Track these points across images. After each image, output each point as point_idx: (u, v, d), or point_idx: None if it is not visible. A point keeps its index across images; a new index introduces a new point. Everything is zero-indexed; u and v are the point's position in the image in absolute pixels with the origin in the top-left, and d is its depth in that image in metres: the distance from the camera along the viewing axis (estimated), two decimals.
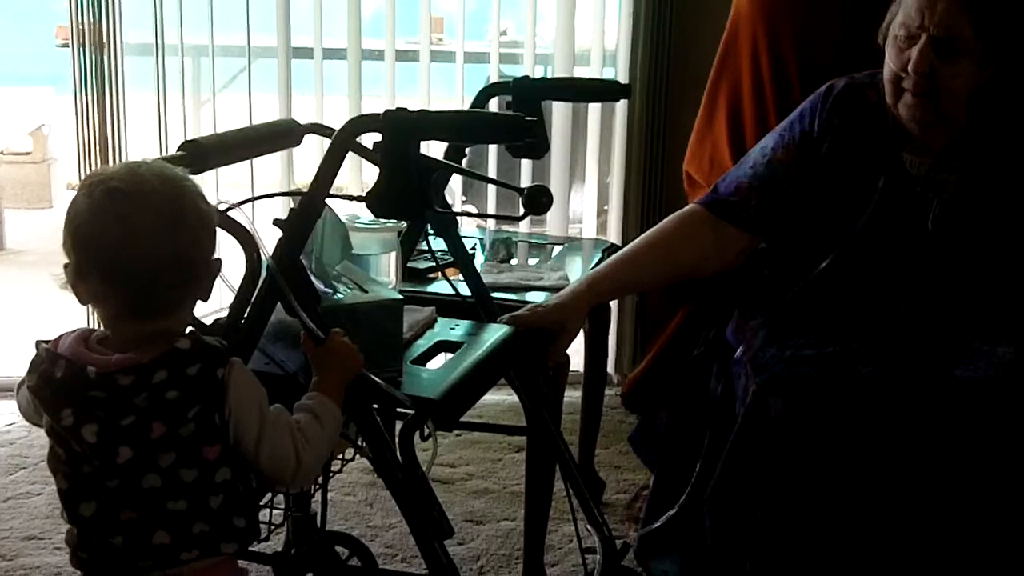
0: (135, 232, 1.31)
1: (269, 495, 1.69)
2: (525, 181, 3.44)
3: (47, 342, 1.38)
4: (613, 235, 3.36)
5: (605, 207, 3.55)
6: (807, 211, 2.08)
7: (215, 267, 1.40)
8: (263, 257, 1.60)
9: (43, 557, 2.43)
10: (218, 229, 1.44)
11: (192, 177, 1.49)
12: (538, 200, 1.52)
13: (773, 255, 2.20)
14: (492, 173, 3.53)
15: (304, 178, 3.44)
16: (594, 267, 2.25)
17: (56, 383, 1.34)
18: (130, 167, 1.36)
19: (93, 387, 1.32)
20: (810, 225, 2.08)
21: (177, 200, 1.34)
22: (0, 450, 2.98)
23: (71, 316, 2.66)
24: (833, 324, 1.96)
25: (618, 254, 2.16)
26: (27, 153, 6.25)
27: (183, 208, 1.34)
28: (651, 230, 2.16)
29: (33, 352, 1.38)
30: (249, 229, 1.59)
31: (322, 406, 1.47)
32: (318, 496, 1.94)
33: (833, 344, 1.88)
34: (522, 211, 1.56)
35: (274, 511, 1.70)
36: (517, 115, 1.62)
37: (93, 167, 3.25)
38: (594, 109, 3.45)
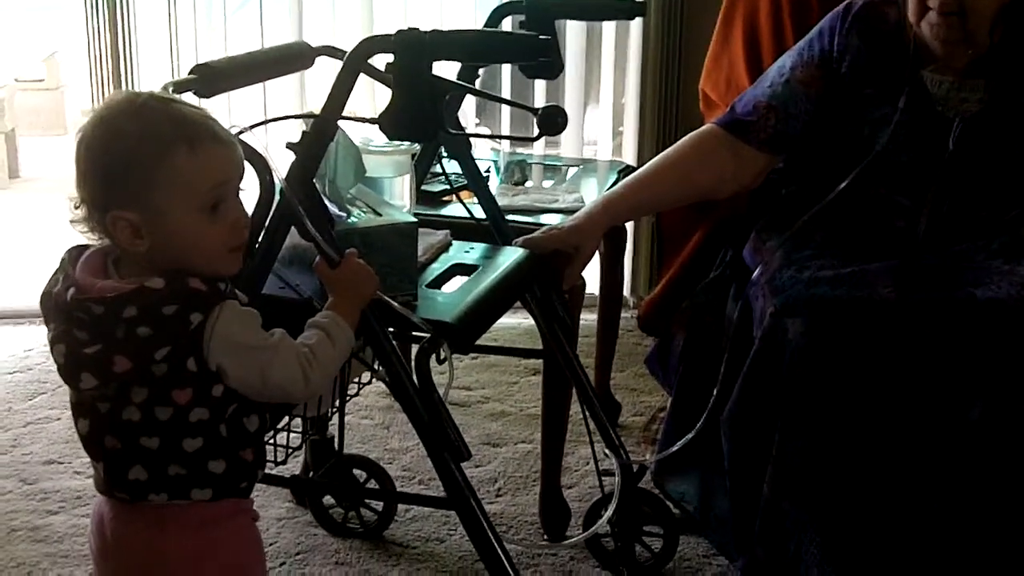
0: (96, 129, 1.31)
1: (286, 419, 1.70)
2: (539, 102, 3.40)
3: (85, 247, 1.35)
4: (628, 156, 3.33)
5: (620, 128, 3.51)
6: (826, 131, 2.05)
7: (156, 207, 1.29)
8: (276, 181, 1.58)
9: (63, 481, 2.46)
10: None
11: (205, 101, 1.48)
12: (553, 120, 1.49)
13: (791, 175, 2.17)
14: (506, 95, 3.49)
15: (317, 102, 3.43)
16: (609, 189, 2.23)
17: (52, 295, 1.33)
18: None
19: (71, 309, 1.30)
20: (829, 145, 2.05)
21: (136, 119, 1.30)
22: (19, 376, 3.00)
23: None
24: (852, 245, 1.95)
25: (634, 175, 2.14)
26: (40, 80, 6.23)
27: (128, 123, 1.30)
28: (667, 151, 2.14)
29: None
30: (262, 153, 1.57)
31: (335, 325, 1.43)
32: (335, 420, 1.95)
33: (852, 265, 1.87)
34: (536, 132, 1.54)
35: (292, 434, 1.70)
36: (531, 34, 1.60)
37: (105, 93, 3.23)
38: (609, 28, 3.40)
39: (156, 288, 1.27)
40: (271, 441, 1.62)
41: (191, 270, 1.30)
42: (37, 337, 3.18)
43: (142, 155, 1.28)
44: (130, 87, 3.24)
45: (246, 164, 1.41)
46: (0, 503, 2.38)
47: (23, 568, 2.15)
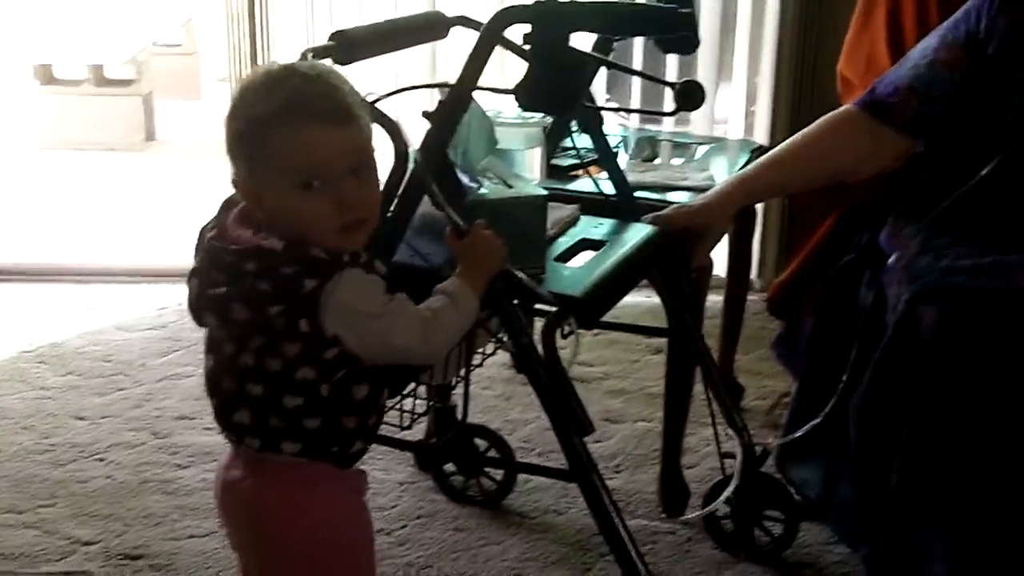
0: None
1: (412, 386, 1.71)
2: (671, 78, 3.36)
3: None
4: (760, 136, 3.28)
5: (752, 108, 3.46)
6: (970, 115, 1.99)
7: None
8: (410, 150, 1.59)
9: (193, 436, 2.53)
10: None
11: (341, 68, 1.49)
12: (691, 95, 1.48)
13: (931, 160, 2.11)
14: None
15: (447, 72, 3.45)
16: (741, 168, 2.20)
17: (202, 232, 1.39)
18: None
19: (209, 251, 1.35)
20: (973, 130, 1.99)
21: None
22: (153, 333, 3.08)
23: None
24: (993, 234, 1.88)
25: (768, 155, 2.10)
26: (178, 45, 6.37)
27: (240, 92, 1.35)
28: (804, 131, 2.09)
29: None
30: (395, 121, 1.59)
31: (460, 291, 1.44)
32: (459, 389, 1.96)
33: (992, 255, 1.81)
34: (672, 107, 1.52)
35: (416, 402, 1.72)
36: (670, 7, 1.58)
37: (240, 59, 3.29)
38: (745, 3, 3.34)
39: (274, 249, 1.31)
40: (397, 407, 1.63)
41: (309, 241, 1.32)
42: (172, 295, 3.26)
43: (249, 130, 1.32)
44: (265, 54, 3.29)
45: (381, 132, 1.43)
46: (133, 455, 2.45)
47: (153, 519, 2.22)
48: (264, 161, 1.32)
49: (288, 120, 1.30)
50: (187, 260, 1.40)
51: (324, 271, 1.31)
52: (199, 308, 1.36)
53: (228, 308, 1.32)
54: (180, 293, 1.41)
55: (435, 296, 1.43)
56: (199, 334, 1.43)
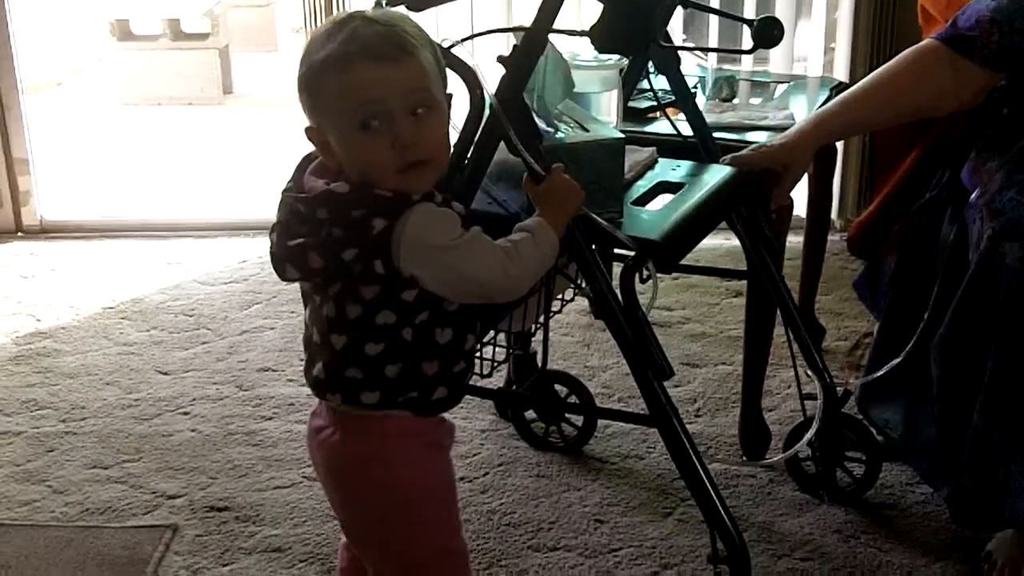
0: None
1: (492, 333, 1.72)
2: (749, 15, 3.31)
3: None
4: (840, 73, 3.22)
5: (832, 45, 3.40)
6: None
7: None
8: (486, 95, 1.59)
9: (277, 388, 2.56)
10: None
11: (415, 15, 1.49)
12: (769, 32, 1.46)
13: (1014, 93, 2.06)
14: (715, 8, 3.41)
15: (523, 16, 3.43)
16: (820, 106, 2.17)
17: (284, 191, 1.40)
18: None
19: (285, 204, 1.37)
20: None
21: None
22: (235, 286, 3.11)
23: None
24: None
25: (847, 92, 2.07)
26: None
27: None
28: (883, 66, 2.06)
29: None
30: (472, 67, 1.58)
31: (541, 228, 1.42)
32: (539, 336, 1.97)
33: None
34: (751, 44, 1.50)
35: (496, 349, 1.73)
36: None
37: (316, 10, 3.30)
38: None
39: (342, 192, 1.31)
40: (477, 355, 1.64)
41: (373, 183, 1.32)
42: (252, 248, 3.28)
43: (311, 74, 1.32)
44: (340, 4, 3.30)
45: (456, 79, 1.42)
46: (217, 408, 2.49)
47: (239, 470, 2.26)
48: (325, 104, 1.33)
49: (344, 60, 1.30)
50: (267, 213, 1.40)
51: (392, 210, 1.30)
52: (281, 260, 1.37)
53: (305, 257, 1.33)
54: (260, 246, 1.42)
55: (515, 233, 1.42)
56: (280, 287, 1.45)
